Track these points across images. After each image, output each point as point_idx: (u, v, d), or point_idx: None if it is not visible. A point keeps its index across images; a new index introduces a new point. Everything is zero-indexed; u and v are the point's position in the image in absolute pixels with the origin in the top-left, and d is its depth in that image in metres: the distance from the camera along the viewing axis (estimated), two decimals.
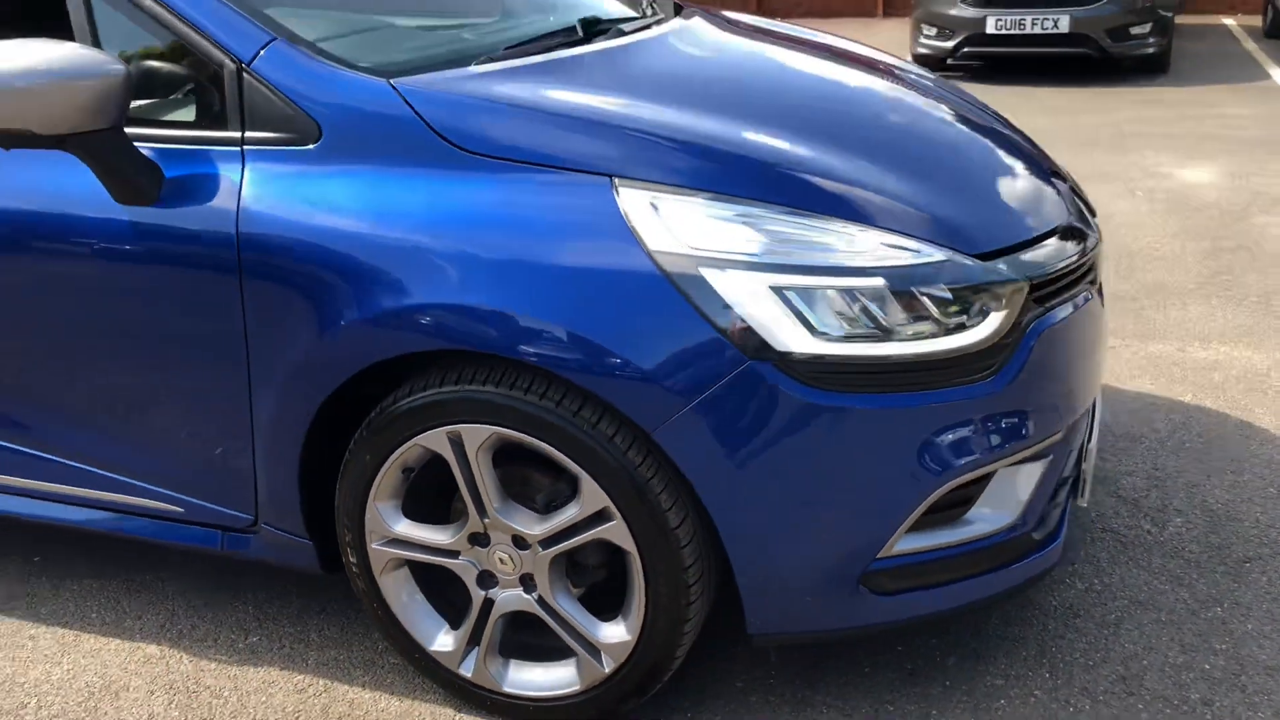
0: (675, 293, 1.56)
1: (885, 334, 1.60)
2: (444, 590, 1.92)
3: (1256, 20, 11.08)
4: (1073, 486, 2.00)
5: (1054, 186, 2.05)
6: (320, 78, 1.75)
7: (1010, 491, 1.77)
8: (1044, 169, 2.12)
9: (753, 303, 1.56)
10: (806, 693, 1.93)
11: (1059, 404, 1.79)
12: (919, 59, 8.90)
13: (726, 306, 1.56)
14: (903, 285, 1.61)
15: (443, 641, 1.89)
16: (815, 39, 2.70)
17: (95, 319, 1.89)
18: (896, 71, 2.49)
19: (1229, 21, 11.40)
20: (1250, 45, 9.78)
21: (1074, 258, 1.86)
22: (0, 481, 2.15)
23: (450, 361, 1.71)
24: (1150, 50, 8.02)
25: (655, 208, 1.61)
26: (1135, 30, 7.92)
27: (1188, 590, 2.16)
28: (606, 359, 1.57)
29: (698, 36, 2.37)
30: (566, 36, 2.16)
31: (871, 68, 2.43)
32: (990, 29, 8.03)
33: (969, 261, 1.68)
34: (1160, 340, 3.37)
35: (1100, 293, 2.06)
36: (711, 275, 1.56)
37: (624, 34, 2.24)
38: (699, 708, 1.91)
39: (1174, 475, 2.59)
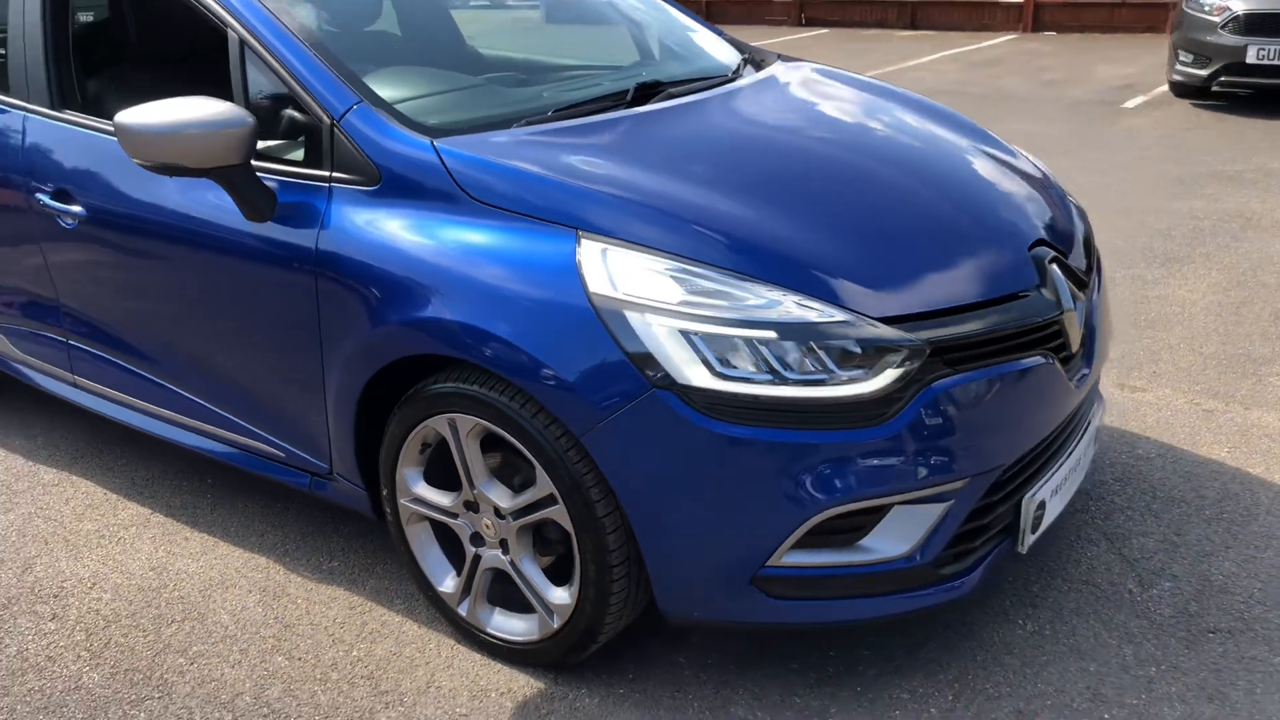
0: (603, 328, 1.93)
1: (778, 378, 1.90)
2: (457, 544, 2.39)
3: None
4: (1010, 533, 2.18)
5: (1013, 257, 2.21)
6: (385, 134, 2.25)
7: (905, 526, 2.00)
8: (1014, 238, 2.26)
9: (663, 342, 1.91)
10: (732, 677, 2.24)
11: (961, 456, 1.99)
12: (1174, 86, 8.46)
13: (641, 343, 1.91)
14: (799, 338, 1.90)
15: (448, 585, 2.37)
16: (875, 99, 2.89)
17: (226, 301, 2.49)
18: (909, 133, 2.66)
19: None
20: None
21: (1003, 328, 2.06)
22: (166, 415, 2.84)
23: (451, 363, 2.17)
24: None
25: (604, 257, 1.99)
26: None
27: (1133, 649, 2.27)
28: (548, 375, 1.97)
29: (733, 102, 2.68)
30: (617, 99, 2.56)
31: (885, 129, 2.64)
32: (1251, 59, 7.54)
33: (868, 324, 1.93)
34: (1267, 409, 3.30)
35: (1066, 360, 2.21)
36: (632, 316, 1.92)
37: (671, 96, 2.61)
38: (642, 672, 2.27)
39: (1192, 543, 2.64)
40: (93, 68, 3.04)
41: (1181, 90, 8.46)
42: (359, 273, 2.22)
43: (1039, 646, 2.29)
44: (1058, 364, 2.19)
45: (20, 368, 3.32)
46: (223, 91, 2.42)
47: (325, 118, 2.30)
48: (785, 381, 1.90)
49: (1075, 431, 2.40)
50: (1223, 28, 7.67)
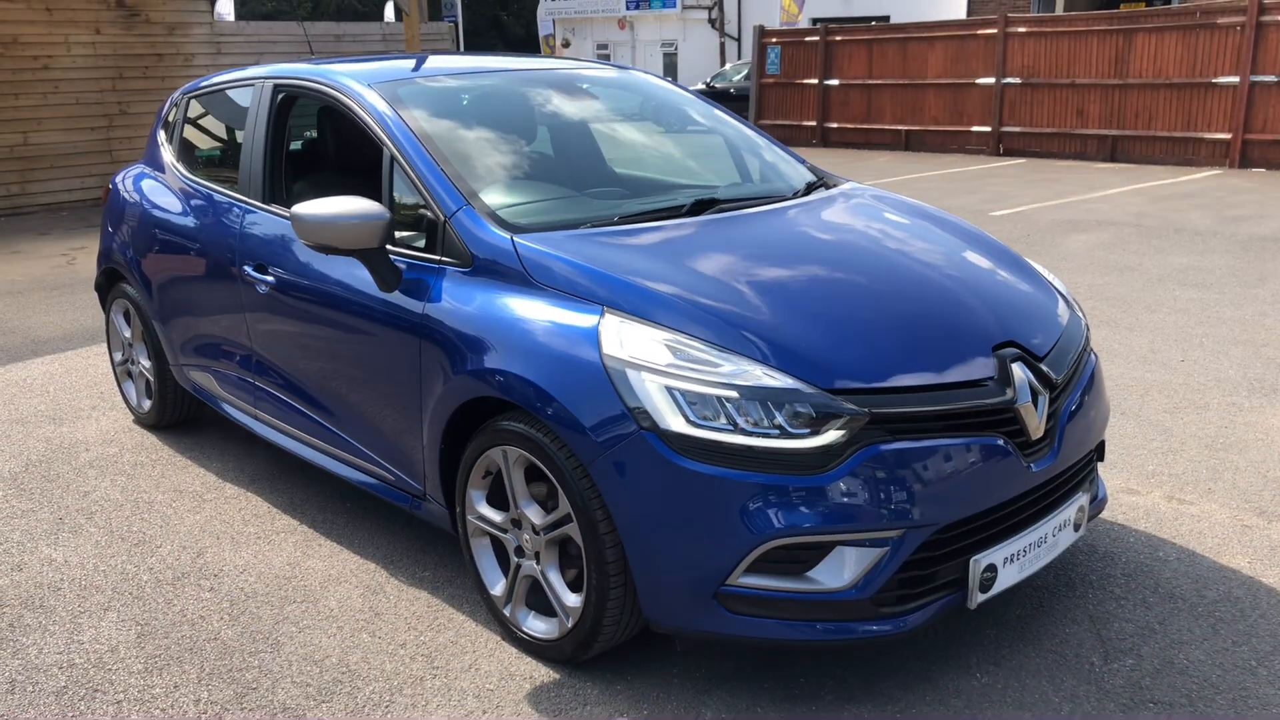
0: (608, 381, 2.48)
1: (737, 429, 2.38)
2: (506, 556, 2.95)
3: None
4: (959, 589, 2.53)
5: (972, 353, 2.60)
6: (480, 229, 2.92)
7: (845, 564, 2.40)
8: (979, 338, 2.65)
9: (653, 395, 2.43)
10: (711, 686, 2.66)
11: (895, 509, 2.39)
12: None
13: (635, 395, 2.44)
14: (760, 399, 2.38)
15: (498, 589, 2.92)
16: (890, 222, 3.32)
17: (360, 354, 3.21)
18: (920, 248, 3.09)
19: None
20: None
21: (944, 408, 2.46)
22: (319, 446, 3.57)
23: (507, 405, 2.76)
24: None
25: (619, 329, 2.55)
26: None
27: (1071, 706, 2.54)
28: (566, 415, 2.53)
29: (769, 218, 3.19)
30: (675, 211, 3.15)
31: (897, 243, 3.09)
32: None
33: (817, 392, 2.39)
34: None
35: (1024, 446, 2.57)
36: (631, 374, 2.46)
37: (720, 211, 3.17)
38: (638, 675, 2.73)
39: (1171, 632, 2.85)
40: (292, 172, 3.92)
41: None
42: (447, 333, 2.87)
43: (986, 696, 2.59)
44: (1013, 448, 2.55)
45: (220, 403, 4.18)
46: (375, 191, 3.19)
47: (441, 215, 3.00)
48: (743, 432, 2.38)
49: (1043, 513, 2.72)
50: None
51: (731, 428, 2.39)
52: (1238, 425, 4.39)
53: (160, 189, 4.40)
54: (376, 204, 3.02)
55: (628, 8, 37.36)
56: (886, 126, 16.97)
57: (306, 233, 3.03)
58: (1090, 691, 2.60)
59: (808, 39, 18.01)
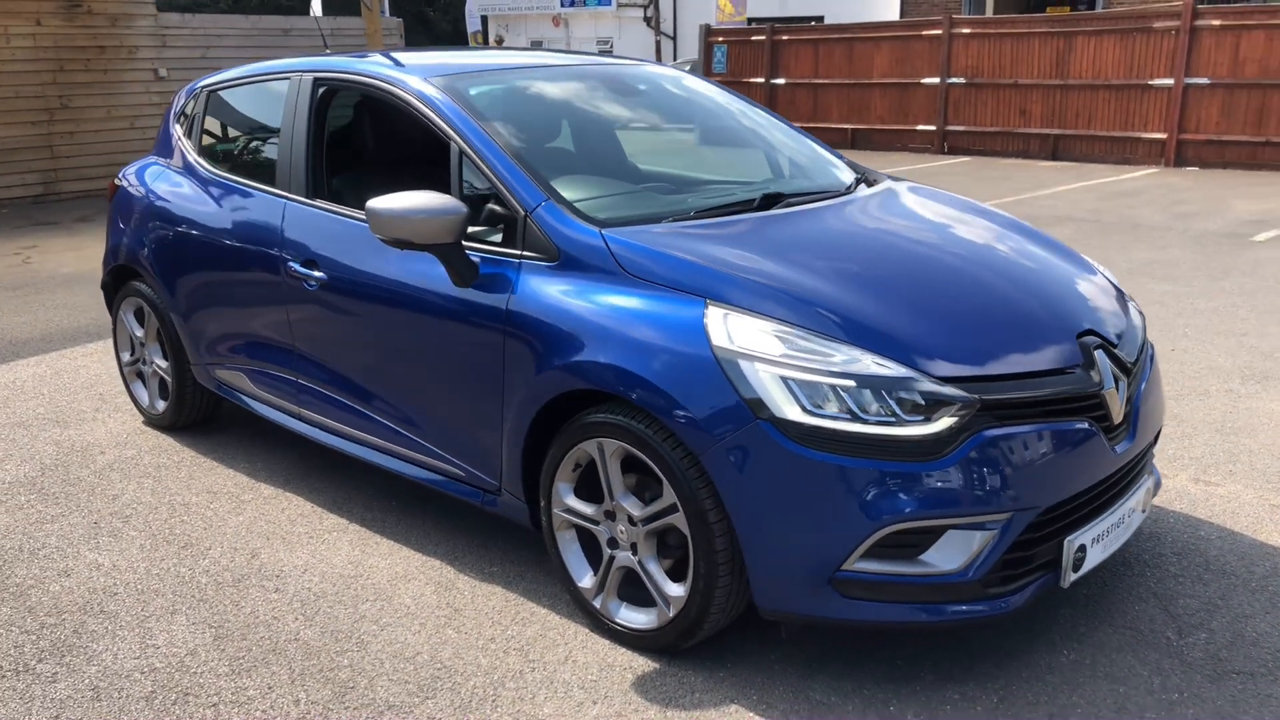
0: (721, 373, 2.52)
1: (855, 418, 2.43)
2: (595, 548, 2.97)
3: None
4: (1053, 569, 2.63)
5: (1062, 341, 2.70)
6: (566, 224, 2.93)
7: (956, 547, 2.48)
8: (1065, 327, 2.76)
9: (768, 385, 2.47)
10: (815, 669, 2.72)
11: (1004, 493, 2.47)
12: None
13: (750, 386, 2.49)
14: (872, 388, 2.44)
15: (586, 581, 2.94)
16: (970, 216, 3.44)
17: (428, 349, 3.19)
18: (990, 238, 3.19)
19: None
20: None
21: (1048, 394, 2.55)
22: (372, 442, 3.53)
23: (601, 398, 2.78)
24: None
25: (725, 320, 2.59)
26: None
27: (1160, 679, 2.65)
28: (676, 406, 2.56)
29: (852, 211, 3.28)
30: (746, 205, 3.20)
31: (987, 240, 3.18)
32: None
33: (930, 381, 2.46)
34: None
35: (1108, 429, 2.68)
36: (744, 365, 2.50)
37: (789, 205, 3.23)
38: (739, 662, 2.77)
39: (1233, 606, 2.99)
40: (336, 167, 3.87)
41: None
42: (537, 327, 2.87)
43: (1078, 671, 2.69)
44: (1099, 431, 2.66)
45: (252, 402, 4.11)
46: (433, 186, 3.17)
47: (521, 210, 3.00)
48: (860, 421, 2.43)
49: (1121, 494, 2.83)
50: None
51: (848, 416, 2.44)
52: (1240, 410, 4.59)
53: (180, 184, 4.30)
54: (452, 198, 3.01)
55: (562, 5, 37.24)
56: (833, 125, 17.22)
57: (382, 227, 3.01)
58: (1173, 665, 2.72)
59: (754, 38, 18.19)
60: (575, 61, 4.00)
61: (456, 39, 44.04)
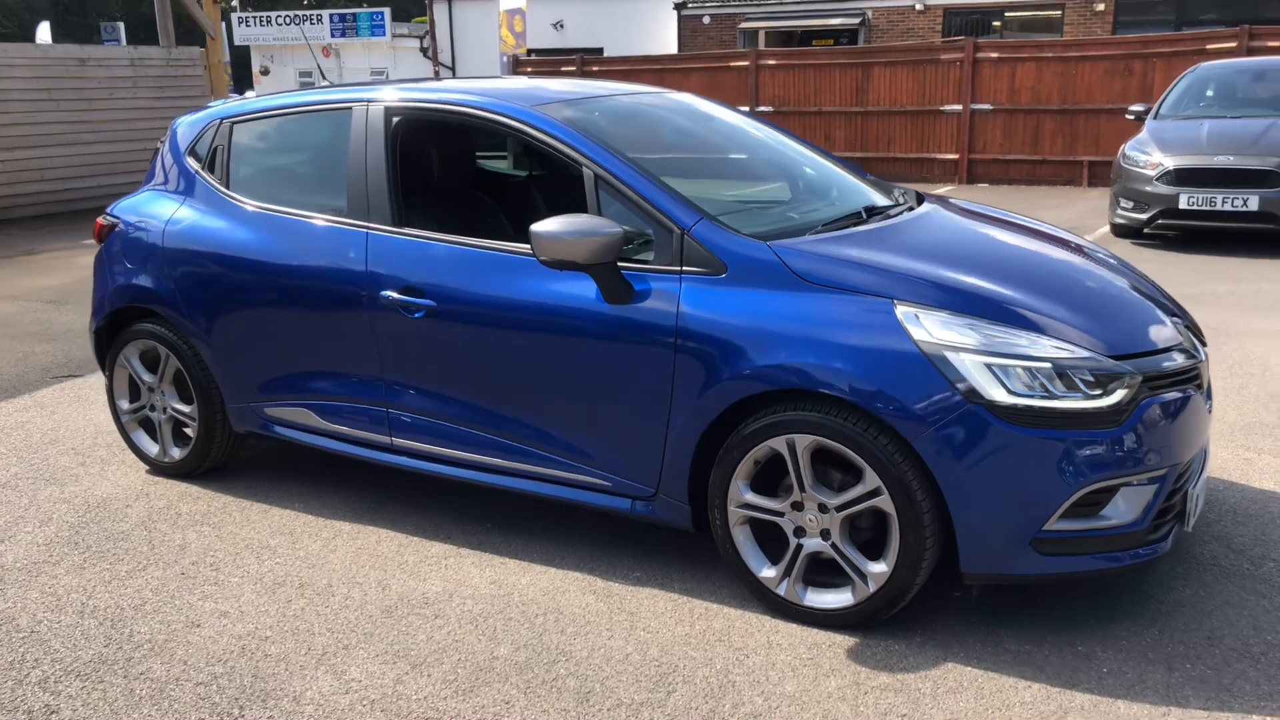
0: (931, 366, 2.82)
1: (1051, 395, 2.80)
2: (764, 541, 3.18)
3: None
4: (1180, 516, 3.08)
5: (1170, 323, 3.20)
6: (728, 239, 3.14)
7: (1130, 501, 2.89)
8: (1166, 310, 3.27)
9: (975, 372, 2.80)
10: (999, 625, 3.06)
11: (1162, 451, 2.91)
12: (1115, 228, 9.90)
13: (960, 374, 2.80)
14: (1061, 369, 2.82)
15: (768, 571, 3.15)
16: (1015, 220, 3.95)
17: (574, 367, 3.30)
18: (1065, 241, 3.70)
19: None
20: None
21: (1177, 366, 3.01)
22: (487, 464, 3.58)
23: (792, 397, 3.01)
24: None
25: (917, 317, 2.89)
26: None
27: (1267, 601, 3.17)
28: (886, 398, 2.83)
29: (937, 218, 3.68)
30: (856, 218, 3.52)
31: (1051, 240, 3.67)
32: (1183, 205, 9.00)
33: (1105, 360, 2.87)
34: (1272, 455, 4.33)
35: (1206, 392, 3.17)
36: (951, 355, 2.82)
37: (890, 216, 3.58)
38: (925, 627, 3.06)
39: (1274, 540, 3.57)
40: (429, 196, 3.89)
41: (1121, 232, 9.91)
42: (714, 336, 3.07)
43: (1203, 602, 3.17)
44: (1201, 396, 3.15)
45: (315, 438, 4.01)
46: (551, 209, 3.29)
47: (677, 228, 3.19)
48: (1054, 397, 2.80)
49: (1205, 453, 3.35)
50: (1158, 180, 9.15)
51: (1044, 394, 2.80)
52: None
53: (213, 219, 4.13)
54: (609, 220, 3.16)
55: (333, 35, 36.36)
56: None
57: (545, 248, 3.12)
58: (1266, 589, 3.24)
59: (564, 69, 18.59)
60: (625, 90, 4.19)
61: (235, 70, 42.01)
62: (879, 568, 2.98)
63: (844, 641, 3.02)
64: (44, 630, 3.22)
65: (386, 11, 36.11)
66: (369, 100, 3.87)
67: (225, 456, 4.39)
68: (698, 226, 3.18)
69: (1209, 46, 13.55)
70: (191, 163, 4.31)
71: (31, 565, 3.67)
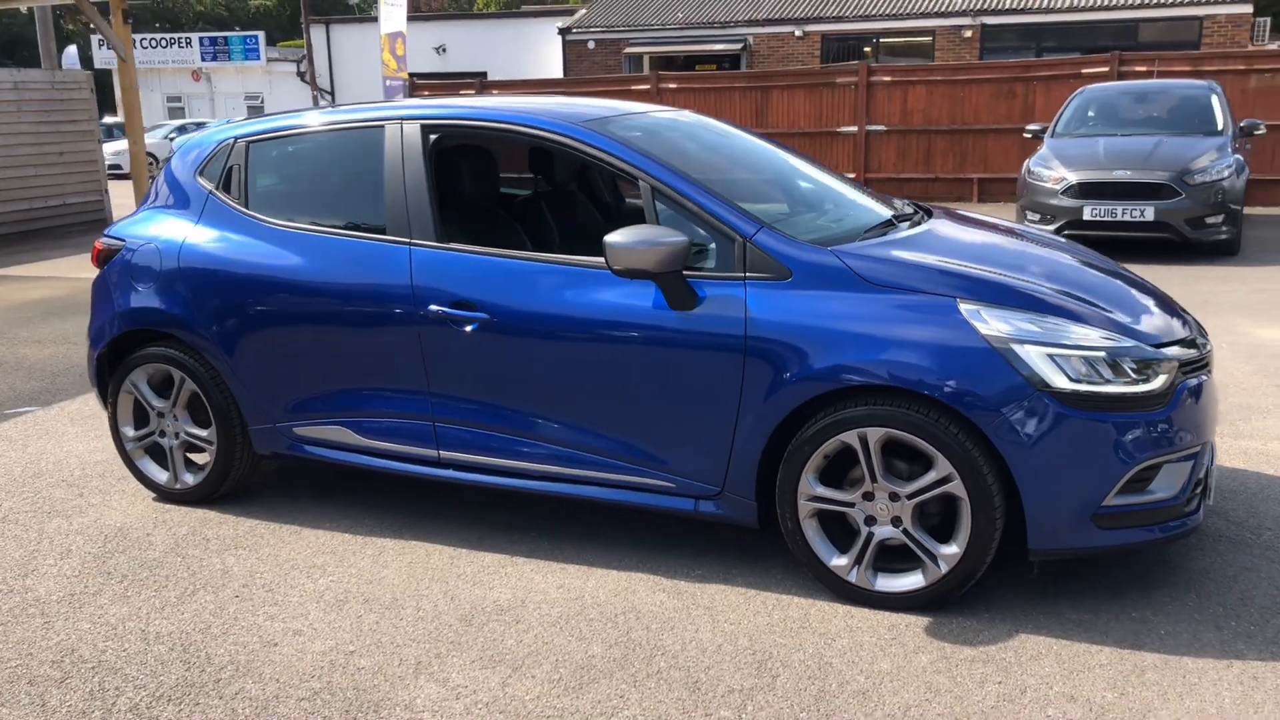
0: (999, 358, 3.04)
1: (1105, 381, 3.06)
2: (830, 531, 3.35)
3: None
4: (1204, 491, 3.39)
5: (1183, 316, 3.53)
6: (792, 246, 3.31)
7: (1171, 477, 3.17)
8: (1175, 306, 3.60)
9: (1039, 362, 3.04)
10: (1052, 595, 3.29)
11: (1195, 430, 3.20)
12: None
13: (1026, 364, 3.03)
14: (1112, 357, 3.08)
15: (837, 561, 3.31)
16: (1017, 228, 4.24)
17: (644, 371, 3.41)
18: (1068, 245, 4.01)
19: None
20: None
21: (1197, 353, 3.32)
22: (543, 472, 3.65)
23: (862, 392, 3.19)
24: (1223, 236, 9.55)
25: (980, 314, 3.12)
26: (1210, 220, 9.47)
27: (1278, 565, 3.50)
28: (962, 391, 3.04)
29: (954, 226, 3.93)
30: (889, 225, 3.74)
31: (1058, 245, 3.97)
32: (1087, 216, 9.64)
33: (1148, 348, 3.15)
34: (1249, 439, 4.74)
35: (1210, 375, 3.50)
36: (1017, 348, 3.05)
37: (915, 225, 3.82)
38: (989, 603, 3.28)
39: (1264, 511, 3.93)
40: (474, 211, 3.96)
41: None
42: (785, 339, 3.23)
43: (1224, 569, 3.48)
44: (1212, 380, 3.47)
45: (351, 455, 4.00)
46: (602, 220, 3.42)
47: (738, 237, 3.35)
48: (1109, 383, 3.06)
49: None
50: (1063, 193, 9.78)
51: (1100, 380, 3.06)
52: None
53: (233, 238, 4.08)
54: (675, 230, 3.29)
55: (204, 59, 35.28)
56: None
57: (619, 258, 3.23)
58: (1274, 555, 3.58)
59: (462, 91, 18.57)
60: (643, 109, 4.33)
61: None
62: (951, 550, 3.18)
63: (919, 621, 3.21)
64: (112, 659, 3.14)
65: (261, 35, 35.27)
66: (402, 118, 3.91)
67: (242, 481, 4.32)
68: (759, 234, 3.34)
69: (1084, 71, 14.51)
70: (203, 183, 4.24)
71: (70, 596, 3.55)
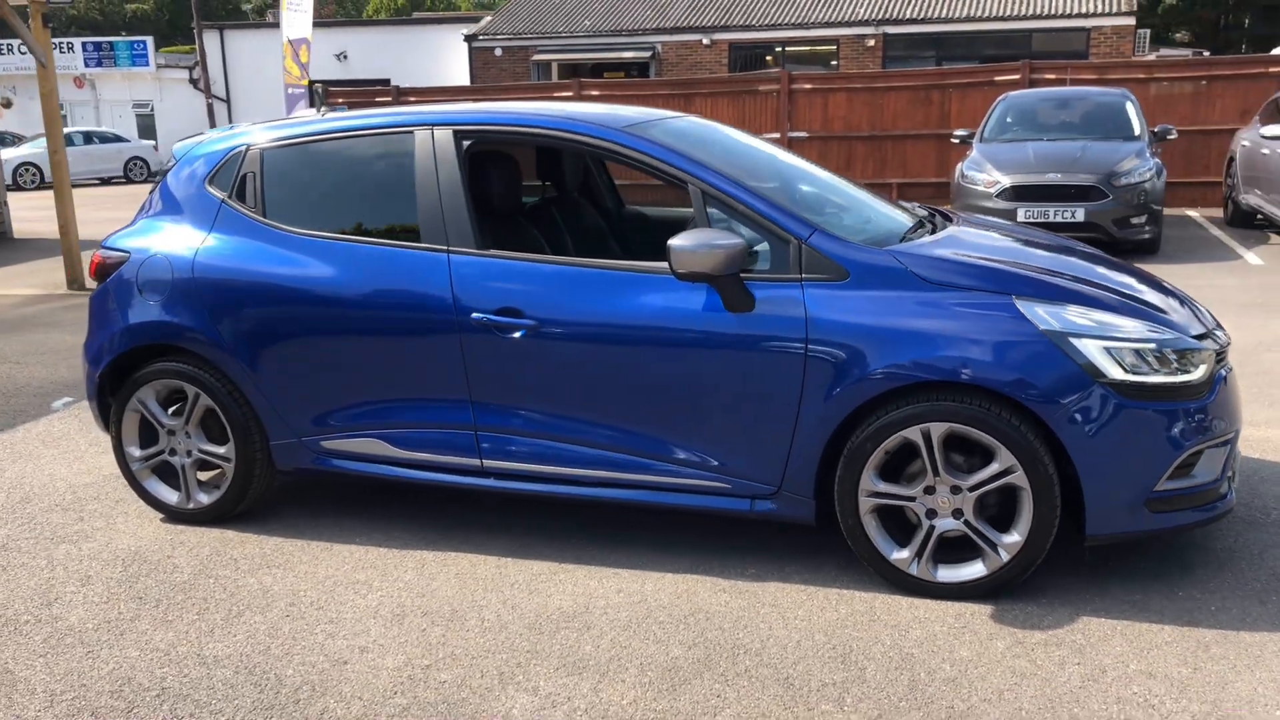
0: (1059, 351, 3.16)
1: (1154, 371, 3.21)
2: (886, 526, 3.42)
3: (1217, 211, 13.32)
4: (1233, 475, 3.58)
5: (1201, 310, 3.72)
6: (848, 247, 3.38)
7: (1212, 461, 3.34)
8: (1191, 300, 3.79)
9: (1095, 354, 3.17)
10: (1104, 574, 3.43)
11: (1229, 417, 3.38)
12: None
13: (1084, 356, 3.16)
14: (1159, 349, 3.24)
15: (898, 554, 3.39)
16: (1013, 226, 4.40)
17: (702, 373, 3.44)
18: (1084, 247, 4.19)
19: (1193, 213, 13.62)
20: (1217, 232, 11.90)
21: (1220, 346, 3.51)
22: (591, 477, 3.64)
23: (925, 389, 3.28)
24: (1146, 236, 10.04)
25: (1035, 309, 3.23)
26: (1134, 220, 9.94)
27: None
28: (1025, 383, 3.15)
29: (977, 228, 4.07)
30: (918, 229, 3.85)
31: (1077, 248, 4.14)
32: (1020, 218, 10.00)
33: (1189, 339, 3.31)
34: None
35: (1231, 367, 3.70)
36: (1075, 341, 3.17)
37: (941, 228, 3.94)
38: (1045, 588, 3.40)
39: (1266, 493, 4.17)
40: (493, 215, 3.91)
41: None
42: (847, 338, 3.29)
43: (1249, 548, 3.68)
44: (1233, 371, 3.68)
45: (384, 468, 3.92)
46: (643, 224, 3.45)
47: (794, 240, 3.40)
48: (1158, 373, 3.21)
49: None
50: (997, 196, 10.14)
51: (1150, 370, 3.21)
52: None
53: (252, 247, 3.96)
54: (733, 234, 3.33)
55: (87, 65, 33.83)
56: None
57: (683, 262, 3.26)
58: None
59: (379, 99, 18.26)
60: (666, 115, 4.34)
61: None
62: (1013, 538, 3.28)
63: (983, 610, 3.30)
64: (175, 685, 3.02)
65: (149, 40, 34.03)
66: (432, 123, 3.85)
67: (258, 499, 4.19)
68: (814, 236, 3.41)
69: (997, 78, 15.06)
70: (214, 192, 4.10)
71: (106, 624, 3.40)
